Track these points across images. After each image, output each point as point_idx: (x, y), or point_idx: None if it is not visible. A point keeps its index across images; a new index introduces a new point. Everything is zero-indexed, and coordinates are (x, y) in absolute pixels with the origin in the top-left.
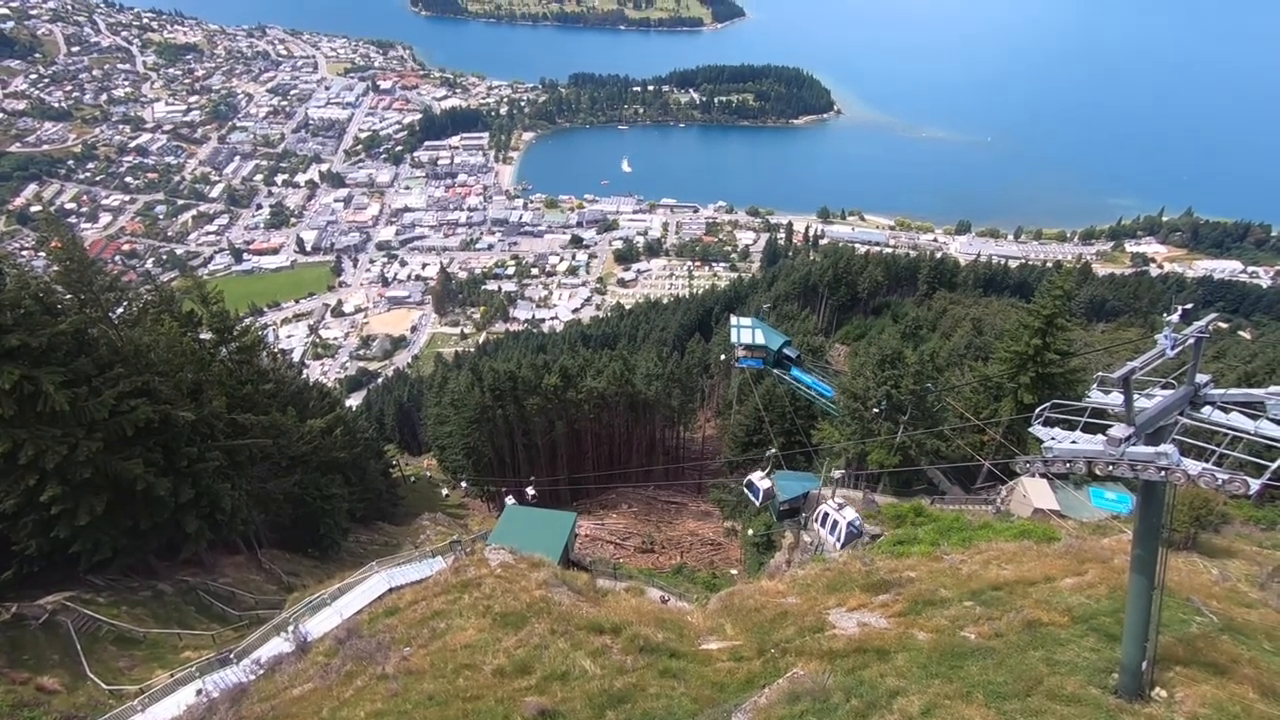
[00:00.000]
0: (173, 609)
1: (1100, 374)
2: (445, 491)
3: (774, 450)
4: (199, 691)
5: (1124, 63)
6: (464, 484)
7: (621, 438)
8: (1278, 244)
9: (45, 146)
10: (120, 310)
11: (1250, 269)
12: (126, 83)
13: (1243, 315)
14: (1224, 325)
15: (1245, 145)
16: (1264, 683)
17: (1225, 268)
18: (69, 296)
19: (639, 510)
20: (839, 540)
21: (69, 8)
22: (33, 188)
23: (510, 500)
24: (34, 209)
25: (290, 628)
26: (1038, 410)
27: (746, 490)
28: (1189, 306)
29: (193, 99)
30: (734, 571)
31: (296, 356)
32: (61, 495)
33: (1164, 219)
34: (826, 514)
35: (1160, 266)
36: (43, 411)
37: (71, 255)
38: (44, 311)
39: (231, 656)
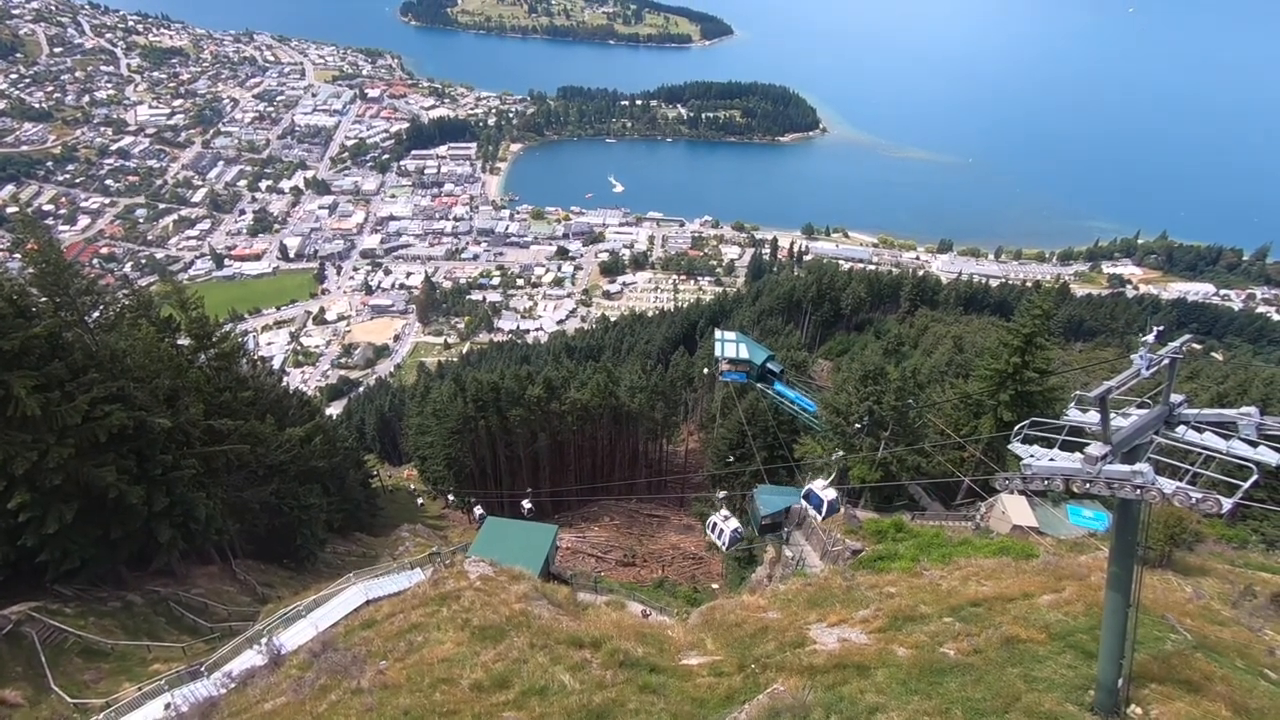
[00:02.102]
0: (142, 620)
1: (1078, 393)
2: (420, 500)
3: (841, 454)
4: (167, 705)
5: (1103, 92)
6: (451, 496)
7: (604, 450)
8: (1249, 268)
9: (24, 147)
10: (96, 314)
11: (1223, 292)
12: (110, 85)
13: (1215, 337)
14: (1197, 347)
15: (1218, 171)
16: (1236, 700)
17: (1199, 290)
18: (44, 299)
19: (621, 523)
20: (724, 544)
21: (52, 8)
22: (10, 188)
23: (479, 511)
24: (10, 210)
25: (263, 640)
26: (1017, 428)
27: (805, 501)
28: (1163, 328)
29: (177, 103)
30: (715, 586)
31: (277, 364)
32: (30, 503)
33: (1140, 241)
34: (715, 523)
35: (1136, 288)
36: (13, 416)
37: (48, 257)
38: (18, 314)
39: (202, 669)
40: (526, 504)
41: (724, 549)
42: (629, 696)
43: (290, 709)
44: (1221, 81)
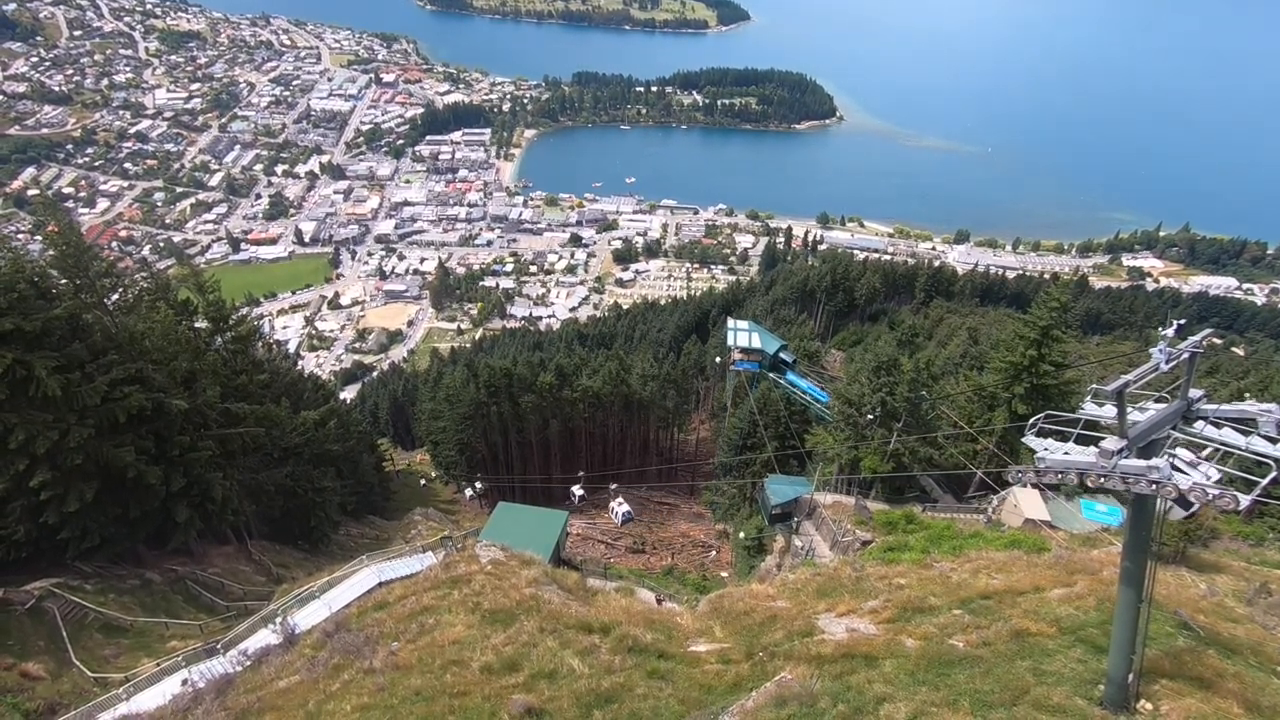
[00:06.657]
0: (160, 598)
1: (1094, 386)
2: (424, 482)
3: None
4: (184, 681)
5: (1125, 80)
6: (478, 484)
7: (615, 438)
8: (1273, 262)
9: (44, 130)
10: (115, 297)
11: (1245, 286)
12: (128, 68)
13: (1236, 332)
14: (1218, 341)
15: (1243, 164)
16: (1248, 698)
17: (1220, 284)
18: (64, 281)
19: (631, 510)
20: (619, 521)
21: None
22: (31, 171)
23: (468, 494)
24: (31, 193)
25: (278, 620)
26: (1031, 421)
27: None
28: (1183, 322)
29: (194, 86)
30: (724, 574)
31: (292, 348)
32: (51, 481)
33: (1161, 234)
34: (613, 507)
35: (1156, 281)
36: (34, 396)
37: (68, 240)
38: (39, 296)
39: (218, 647)
40: (578, 489)
41: (618, 524)
42: (637, 682)
43: (304, 687)
44: (1247, 71)
